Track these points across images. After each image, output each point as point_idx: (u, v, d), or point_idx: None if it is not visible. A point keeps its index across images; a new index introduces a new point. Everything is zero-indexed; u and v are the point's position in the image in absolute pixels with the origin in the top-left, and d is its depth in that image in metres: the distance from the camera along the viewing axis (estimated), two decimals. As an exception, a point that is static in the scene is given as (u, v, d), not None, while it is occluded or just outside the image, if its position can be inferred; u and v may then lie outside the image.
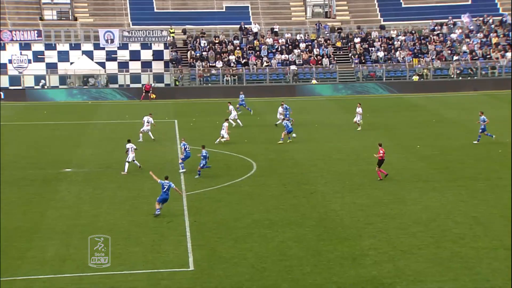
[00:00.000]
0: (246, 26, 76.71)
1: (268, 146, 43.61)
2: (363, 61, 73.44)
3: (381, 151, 34.62)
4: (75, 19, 76.80)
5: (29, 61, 72.50)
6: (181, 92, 69.36)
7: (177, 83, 71.13)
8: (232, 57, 72.64)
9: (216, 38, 74.63)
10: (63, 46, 73.44)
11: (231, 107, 51.29)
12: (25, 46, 72.53)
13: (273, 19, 79.05)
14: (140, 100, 66.24)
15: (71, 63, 72.37)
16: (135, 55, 73.93)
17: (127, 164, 36.70)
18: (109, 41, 73.37)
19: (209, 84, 70.81)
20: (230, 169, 37.69)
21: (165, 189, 28.63)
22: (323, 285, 22.31)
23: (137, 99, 66.92)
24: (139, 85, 70.63)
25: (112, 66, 73.28)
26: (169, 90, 70.33)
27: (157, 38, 74.46)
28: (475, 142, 42.97)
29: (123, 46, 73.80)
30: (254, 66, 72.16)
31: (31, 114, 59.12)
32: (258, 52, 73.58)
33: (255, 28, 76.72)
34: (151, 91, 66.74)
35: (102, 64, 72.84)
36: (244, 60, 72.57)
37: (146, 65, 73.82)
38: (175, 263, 24.17)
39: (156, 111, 56.45)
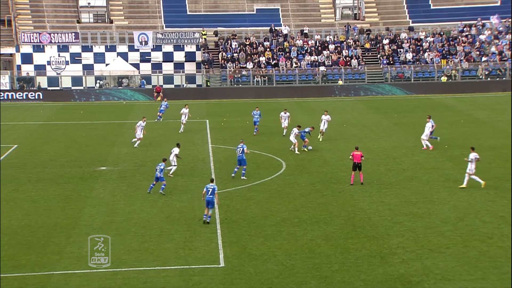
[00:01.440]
0: (276, 28, 76.68)
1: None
2: (392, 62, 72.97)
3: (353, 154, 33.59)
4: (111, 21, 77.46)
5: (67, 63, 73.29)
6: (213, 92, 69.56)
7: (208, 84, 71.35)
8: (262, 59, 72.67)
9: (247, 40, 74.71)
10: (99, 48, 74.13)
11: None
12: (63, 48, 73.36)
13: (303, 21, 78.91)
14: (155, 101, 66.81)
15: (107, 65, 73.00)
16: (168, 57, 74.39)
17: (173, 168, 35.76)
18: (143, 43, 73.90)
19: (240, 85, 70.90)
20: (259, 168, 37.72)
21: (209, 192, 27.61)
22: (351, 282, 22.23)
23: (168, 100, 67.12)
24: (171, 86, 71.06)
25: (145, 67, 73.79)
26: (201, 90, 70.57)
27: (190, 40, 74.82)
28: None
29: (157, 48, 74.30)
30: (284, 67, 72.10)
31: (69, 114, 59.74)
32: (288, 54, 73.50)
33: (285, 30, 76.65)
34: (161, 93, 67.03)
35: (136, 66, 73.39)
36: (274, 61, 72.55)
37: (179, 66, 74.25)
38: (206, 260, 24.26)
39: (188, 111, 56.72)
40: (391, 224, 27.81)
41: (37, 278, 22.61)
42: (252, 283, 22.31)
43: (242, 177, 30.87)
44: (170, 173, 35.29)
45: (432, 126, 41.88)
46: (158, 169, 32.06)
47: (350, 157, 33.76)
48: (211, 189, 27.52)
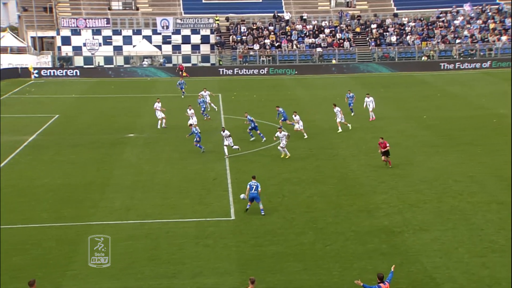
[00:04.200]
0: (279, 14, 75.94)
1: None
2: (379, 44, 72.21)
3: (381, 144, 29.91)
4: (137, 8, 76.68)
5: (100, 44, 72.81)
6: (224, 70, 69.03)
7: (221, 63, 70.89)
8: (267, 41, 72.00)
9: (254, 25, 74.00)
10: (127, 32, 73.52)
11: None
12: (96, 32, 72.81)
13: (302, 8, 77.98)
14: (181, 78, 66.17)
15: (134, 46, 72.52)
16: (186, 39, 73.82)
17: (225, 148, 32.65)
18: (165, 27, 73.32)
19: (247, 64, 70.42)
20: (265, 136, 37.57)
21: (253, 189, 24.30)
22: (343, 233, 22.29)
23: (185, 76, 66.82)
24: (189, 64, 70.66)
25: (167, 49, 73.29)
26: (214, 68, 70.09)
27: (205, 25, 74.15)
28: (352, 114, 41.99)
29: (176, 32, 73.66)
30: (286, 49, 71.47)
31: (101, 88, 59.61)
32: (289, 37, 72.77)
33: (287, 16, 75.82)
34: (184, 70, 66.71)
35: (159, 47, 72.91)
36: (277, 43, 71.90)
37: (195, 47, 73.71)
38: (219, 213, 24.34)
39: (202, 86, 56.53)
40: (377, 184, 27.79)
41: (77, 227, 22.77)
42: (258, 233, 22.41)
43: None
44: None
45: (353, 97, 42.54)
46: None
47: (379, 149, 29.96)
48: (254, 186, 24.20)
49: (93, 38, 72.75)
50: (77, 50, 72.13)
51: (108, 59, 70.59)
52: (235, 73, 67.92)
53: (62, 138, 37.41)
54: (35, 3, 71.67)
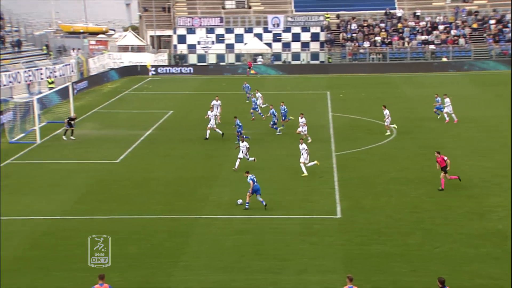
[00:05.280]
0: (391, 11, 74.21)
1: (408, 115, 42.15)
2: (497, 40, 68.64)
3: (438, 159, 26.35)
4: (249, 7, 77.80)
5: (213, 43, 74.74)
6: (333, 68, 68.55)
7: (330, 61, 70.40)
8: (377, 38, 70.59)
9: (365, 22, 72.82)
10: (239, 30, 74.91)
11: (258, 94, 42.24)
12: (210, 30, 74.76)
13: (415, 5, 75.68)
14: (247, 76, 66.61)
15: (245, 44, 73.74)
16: (296, 37, 74.00)
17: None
18: (276, 25, 73.92)
19: (357, 61, 69.44)
20: (372, 134, 36.93)
21: (255, 182, 24.46)
22: (451, 235, 21.44)
23: (294, 74, 66.95)
24: (298, 62, 70.79)
25: (277, 46, 73.86)
26: (323, 66, 69.76)
27: (315, 23, 73.94)
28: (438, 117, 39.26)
29: (287, 30, 74.02)
30: (397, 46, 69.73)
31: (213, 85, 61.03)
32: (401, 34, 70.93)
33: (399, 13, 73.93)
34: (251, 68, 66.80)
35: (269, 45, 73.62)
36: (388, 41, 70.32)
37: (305, 45, 73.69)
38: (325, 211, 24.18)
39: (311, 84, 56.56)
40: (490, 185, 26.49)
41: (187, 220, 23.47)
42: (363, 231, 22.06)
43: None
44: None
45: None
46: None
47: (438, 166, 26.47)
48: (254, 179, 24.37)
49: (206, 37, 74.79)
50: (192, 48, 74.44)
51: (220, 57, 72.23)
52: (344, 71, 67.22)
53: (175, 133, 38.68)
54: (155, 3, 74.83)
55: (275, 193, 26.51)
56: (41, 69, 55.12)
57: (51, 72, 55.58)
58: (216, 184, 27.93)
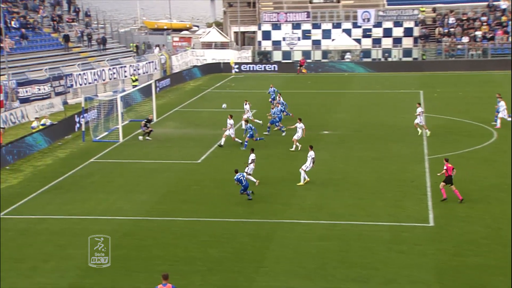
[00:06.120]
0: (494, 3, 71.54)
1: None
2: None
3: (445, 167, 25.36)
4: (338, 1, 77.30)
5: (298, 39, 74.84)
6: (427, 65, 66.95)
7: (424, 57, 68.81)
8: (478, 33, 68.27)
9: (464, 15, 70.59)
10: (326, 25, 74.60)
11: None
12: (296, 26, 74.92)
13: (521, -4, 72.65)
14: (297, 74, 65.57)
15: (332, 40, 73.35)
16: (387, 32, 72.81)
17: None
18: (366, 20, 73.08)
19: (454, 58, 67.45)
20: (470, 137, 35.80)
21: (243, 181, 25.65)
22: (559, 248, 20.43)
23: (385, 72, 65.92)
24: (389, 59, 69.63)
25: (366, 42, 72.99)
26: (416, 63, 68.28)
27: (408, 17, 72.51)
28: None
29: (377, 24, 73.02)
30: (500, 41, 67.11)
31: (298, 83, 61.09)
32: (504, 28, 68.24)
33: (503, 5, 71.12)
34: (303, 66, 65.93)
35: (358, 41, 72.87)
36: (490, 35, 67.82)
37: (397, 41, 72.38)
38: (416, 218, 23.69)
39: (402, 83, 55.54)
40: None
41: (268, 224, 23.62)
42: (458, 241, 21.44)
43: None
44: None
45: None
46: None
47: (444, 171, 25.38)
48: (241, 177, 25.48)
49: (292, 32, 74.97)
50: (276, 44, 74.84)
51: (305, 54, 72.13)
52: (439, 68, 65.50)
53: (260, 133, 38.88)
54: (240, -1, 75.86)
55: (362, 197, 26.24)
56: (125, 66, 57.27)
57: (134, 70, 57.63)
58: (299, 186, 27.93)
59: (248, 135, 34.76)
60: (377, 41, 72.73)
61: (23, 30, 56.92)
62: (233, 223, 23.74)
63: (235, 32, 77.25)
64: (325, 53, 72.35)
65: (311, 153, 28.18)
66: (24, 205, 26.16)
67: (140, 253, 21.06)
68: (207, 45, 75.16)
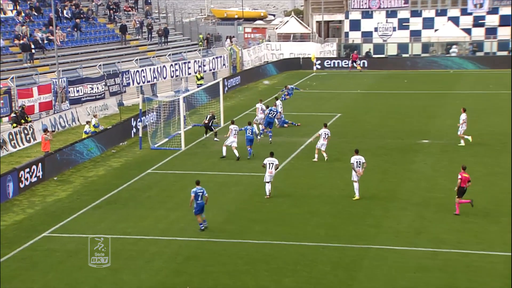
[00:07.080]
0: None
1: None
2: None
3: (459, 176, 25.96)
4: (442, -17, 76.23)
5: (394, 29, 74.06)
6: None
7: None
8: None
9: None
10: (428, 13, 73.58)
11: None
12: (391, 13, 74.26)
13: None
14: (349, 70, 65.20)
15: (435, 30, 72.12)
16: (505, 20, 70.89)
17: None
18: (478, 5, 71.55)
19: None
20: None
21: (199, 198, 24.97)
22: None
23: (500, 69, 64.22)
24: (505, 53, 67.80)
25: (478, 33, 71.33)
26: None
27: (531, 1, 70.65)
28: None
29: (493, 11, 71.37)
30: None
31: (392, 82, 60.36)
32: None
33: None
34: (357, 62, 64.77)
35: (467, 31, 71.32)
36: None
37: (517, 31, 70.56)
38: (537, 248, 22.87)
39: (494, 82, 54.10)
40: None
41: (354, 250, 23.36)
42: None
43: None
44: None
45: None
46: None
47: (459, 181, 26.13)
48: (200, 194, 24.83)
49: (386, 22, 74.29)
50: (367, 36, 74.29)
51: (402, 47, 71.28)
52: None
53: (343, 141, 38.74)
54: (322, -17, 75.83)
55: (471, 221, 25.59)
56: (189, 62, 58.11)
57: (199, 66, 58.33)
58: (393, 206, 27.59)
59: (249, 139, 35.12)
60: (491, 31, 70.97)
61: (77, 20, 58.63)
62: (312, 248, 23.63)
63: (317, 21, 77.24)
64: (426, 46, 71.32)
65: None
66: (73, 222, 26.88)
67: (204, 280, 21.24)
68: (285, 37, 75.45)
